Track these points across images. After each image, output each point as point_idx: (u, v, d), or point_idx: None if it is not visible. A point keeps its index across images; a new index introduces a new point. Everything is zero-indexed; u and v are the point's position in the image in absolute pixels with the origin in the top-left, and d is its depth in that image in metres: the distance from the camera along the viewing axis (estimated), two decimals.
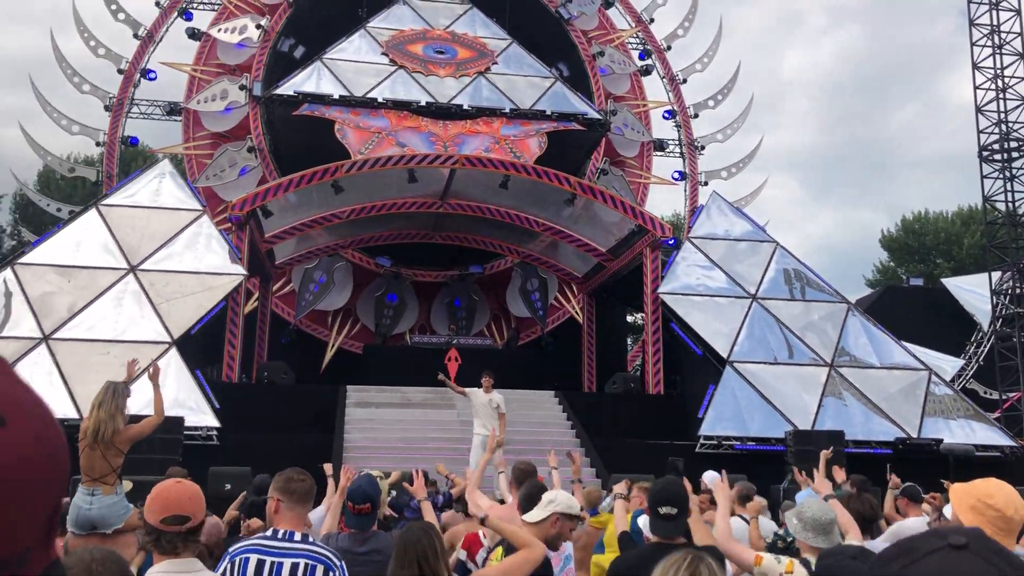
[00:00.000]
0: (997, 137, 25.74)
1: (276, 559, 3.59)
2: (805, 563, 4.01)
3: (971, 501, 3.07)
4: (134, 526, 5.75)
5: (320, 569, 3.62)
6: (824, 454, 9.08)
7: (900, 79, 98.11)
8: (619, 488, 5.68)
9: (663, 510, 4.19)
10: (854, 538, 4.32)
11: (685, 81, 31.72)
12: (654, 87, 31.69)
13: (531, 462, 6.34)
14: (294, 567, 3.58)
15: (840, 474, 8.41)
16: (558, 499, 4.33)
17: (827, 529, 4.13)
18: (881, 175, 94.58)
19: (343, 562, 3.73)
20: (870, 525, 5.70)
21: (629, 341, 32.03)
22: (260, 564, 3.59)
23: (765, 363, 17.96)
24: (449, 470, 9.25)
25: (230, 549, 3.75)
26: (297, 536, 3.71)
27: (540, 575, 4.06)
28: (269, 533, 3.75)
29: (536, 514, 4.30)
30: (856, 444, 16.39)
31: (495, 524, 4.32)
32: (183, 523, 3.13)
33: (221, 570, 3.59)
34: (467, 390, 13.45)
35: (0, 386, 0.73)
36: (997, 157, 25.84)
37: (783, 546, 5.19)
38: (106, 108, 28.01)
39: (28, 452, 0.72)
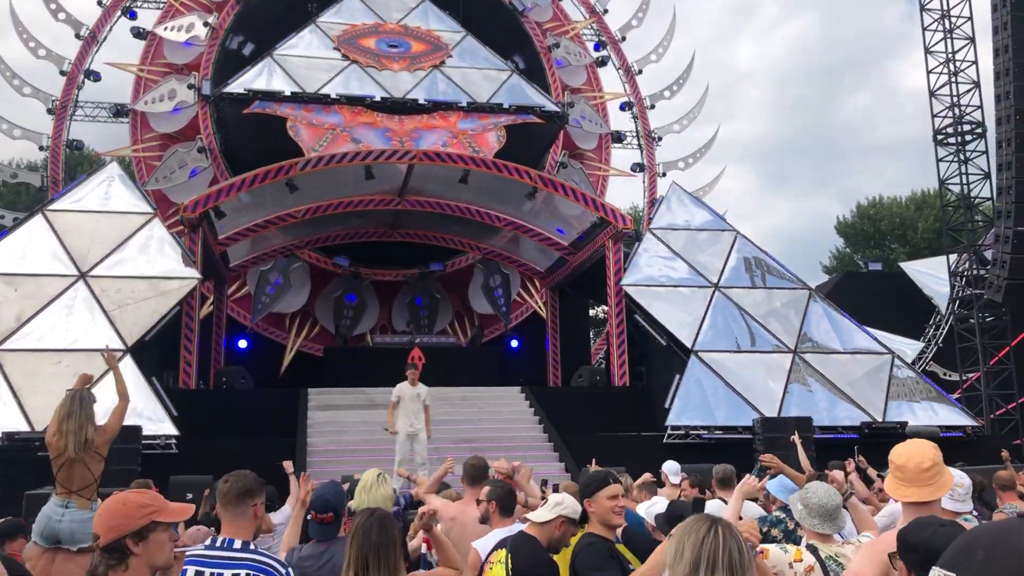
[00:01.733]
0: (951, 121, 25.99)
1: (215, 570, 3.40)
2: (812, 549, 3.86)
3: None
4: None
5: None
6: (795, 440, 9.04)
7: (852, 67, 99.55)
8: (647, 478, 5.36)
9: None
10: (870, 533, 4.18)
11: (640, 72, 31.65)
12: (610, 78, 31.63)
13: (483, 458, 6.12)
14: None
15: (804, 461, 8.33)
16: (566, 502, 4.22)
17: (833, 515, 4.02)
18: (836, 163, 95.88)
19: (289, 569, 3.54)
20: None
21: (592, 334, 31.92)
22: None
23: (729, 351, 17.93)
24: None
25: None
26: (237, 544, 3.50)
27: None
28: (208, 542, 3.58)
29: (542, 515, 4.21)
30: (823, 429, 16.41)
31: (439, 538, 4.42)
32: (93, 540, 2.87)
33: None
34: (392, 391, 13.20)
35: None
36: (951, 140, 26.09)
37: (781, 536, 5.05)
38: (49, 111, 27.21)
39: None
